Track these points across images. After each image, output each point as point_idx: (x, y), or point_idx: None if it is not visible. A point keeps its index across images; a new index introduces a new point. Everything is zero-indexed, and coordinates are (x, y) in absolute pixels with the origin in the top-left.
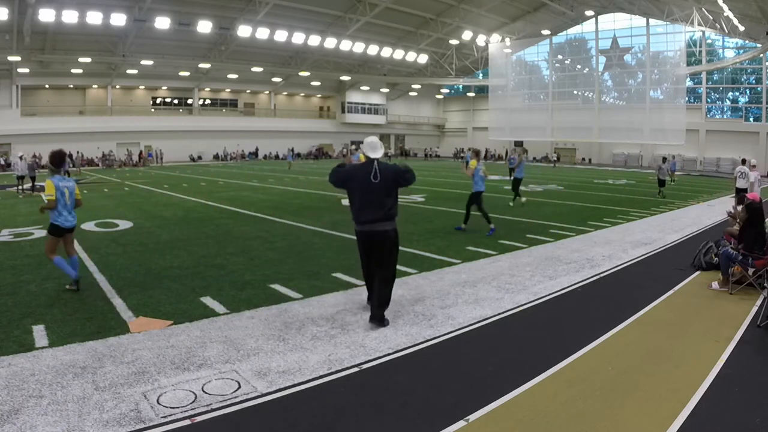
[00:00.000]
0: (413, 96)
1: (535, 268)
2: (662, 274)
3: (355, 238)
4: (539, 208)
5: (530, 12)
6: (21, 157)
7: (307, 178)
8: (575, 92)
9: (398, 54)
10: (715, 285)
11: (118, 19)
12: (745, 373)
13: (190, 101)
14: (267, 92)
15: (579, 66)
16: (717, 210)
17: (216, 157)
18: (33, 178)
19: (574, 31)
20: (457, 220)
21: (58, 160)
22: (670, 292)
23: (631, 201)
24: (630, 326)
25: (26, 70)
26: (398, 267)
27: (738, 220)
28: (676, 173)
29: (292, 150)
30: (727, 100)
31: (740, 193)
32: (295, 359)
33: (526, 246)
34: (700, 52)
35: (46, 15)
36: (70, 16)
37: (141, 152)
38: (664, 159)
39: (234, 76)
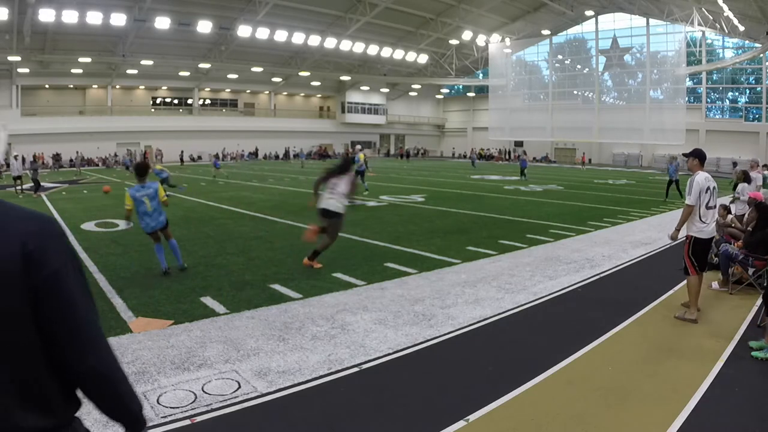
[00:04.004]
0: (413, 96)
1: (535, 268)
2: (662, 274)
3: (355, 238)
4: (539, 208)
5: (530, 12)
6: (16, 157)
7: (307, 178)
8: (575, 92)
9: (398, 54)
10: (715, 285)
11: (118, 19)
12: (745, 373)
13: (190, 101)
14: (267, 92)
15: (579, 66)
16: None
17: (216, 157)
18: (35, 181)
19: (574, 31)
20: (457, 220)
21: (141, 171)
22: (671, 292)
23: (631, 201)
24: (630, 326)
25: (26, 70)
26: (398, 267)
27: (732, 222)
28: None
29: (298, 150)
30: (726, 100)
31: None
32: (295, 359)
33: (526, 246)
34: (700, 52)
35: (46, 15)
36: (70, 16)
37: (146, 152)
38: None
39: (234, 76)
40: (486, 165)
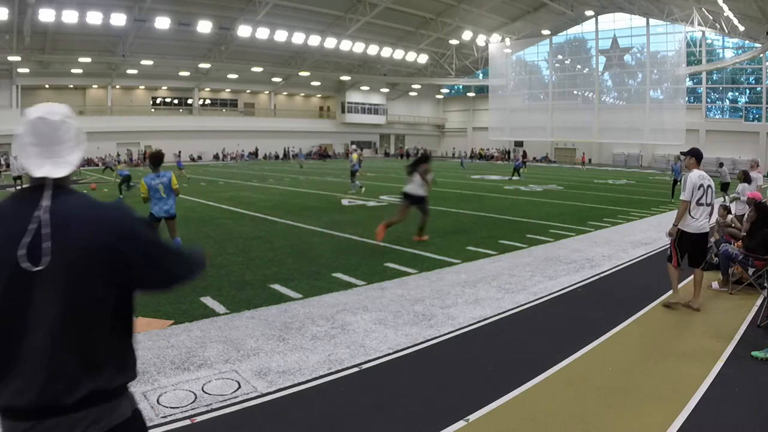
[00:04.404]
0: (413, 96)
1: (535, 268)
2: (662, 274)
3: (355, 238)
4: (539, 208)
5: (530, 12)
6: (16, 158)
7: (307, 178)
8: (575, 92)
9: (398, 54)
10: (715, 285)
11: (118, 19)
12: (745, 373)
13: (190, 101)
14: (267, 92)
15: (579, 66)
16: (716, 210)
17: (216, 157)
18: None
19: (574, 31)
20: (456, 220)
21: (156, 161)
22: (670, 292)
23: (631, 201)
24: (630, 326)
25: (26, 70)
26: (398, 267)
27: (732, 222)
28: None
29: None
30: (726, 100)
31: None
32: (295, 359)
33: (526, 246)
34: (700, 52)
35: (46, 15)
36: (70, 16)
37: (146, 152)
38: (722, 164)
39: (234, 76)
40: (486, 165)
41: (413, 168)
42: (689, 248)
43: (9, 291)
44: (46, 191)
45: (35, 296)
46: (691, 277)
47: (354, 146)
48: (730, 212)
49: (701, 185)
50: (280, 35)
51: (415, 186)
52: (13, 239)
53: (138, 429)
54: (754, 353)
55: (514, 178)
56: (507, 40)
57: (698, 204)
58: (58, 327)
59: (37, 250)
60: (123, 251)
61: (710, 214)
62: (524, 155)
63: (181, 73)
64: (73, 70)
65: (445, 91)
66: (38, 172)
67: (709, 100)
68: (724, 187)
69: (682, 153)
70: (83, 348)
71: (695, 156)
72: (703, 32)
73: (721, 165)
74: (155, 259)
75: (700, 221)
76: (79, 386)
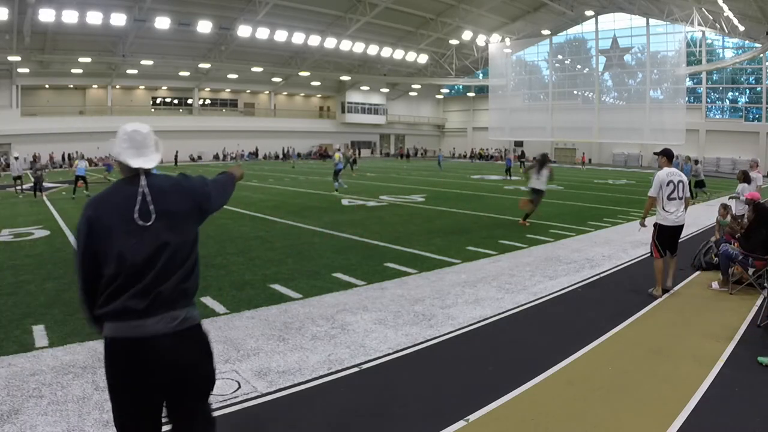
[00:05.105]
0: (413, 96)
1: (535, 268)
2: None
3: (355, 238)
4: (539, 208)
5: (530, 12)
6: (17, 158)
7: (307, 178)
8: (575, 92)
9: (398, 54)
10: (715, 285)
11: (118, 19)
12: (745, 373)
13: (190, 101)
14: (267, 92)
15: (579, 66)
16: (717, 210)
17: (216, 157)
18: (37, 179)
19: (574, 31)
20: (456, 220)
21: None
22: (670, 292)
23: (631, 201)
24: (630, 326)
25: (26, 70)
26: (398, 267)
27: (732, 222)
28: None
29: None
30: (726, 100)
31: None
32: (295, 359)
33: (526, 246)
34: (700, 52)
35: (46, 15)
36: (70, 16)
37: None
38: (697, 161)
39: (234, 76)
40: (485, 165)
41: (540, 168)
42: (668, 240)
43: (131, 238)
44: (142, 176)
45: (148, 240)
46: (690, 278)
47: (337, 146)
48: (730, 212)
49: (670, 181)
50: (280, 35)
51: (540, 182)
52: (131, 206)
53: (202, 332)
54: (761, 359)
55: (511, 178)
56: (507, 40)
57: (670, 199)
58: (165, 257)
59: (146, 212)
60: (200, 205)
61: (684, 207)
62: (522, 155)
63: (181, 73)
64: (73, 70)
65: (445, 91)
66: (135, 164)
67: (709, 100)
68: (699, 185)
69: (655, 153)
70: (181, 269)
71: (666, 155)
72: (703, 32)
73: (696, 162)
74: (217, 203)
75: (675, 214)
76: (179, 294)
